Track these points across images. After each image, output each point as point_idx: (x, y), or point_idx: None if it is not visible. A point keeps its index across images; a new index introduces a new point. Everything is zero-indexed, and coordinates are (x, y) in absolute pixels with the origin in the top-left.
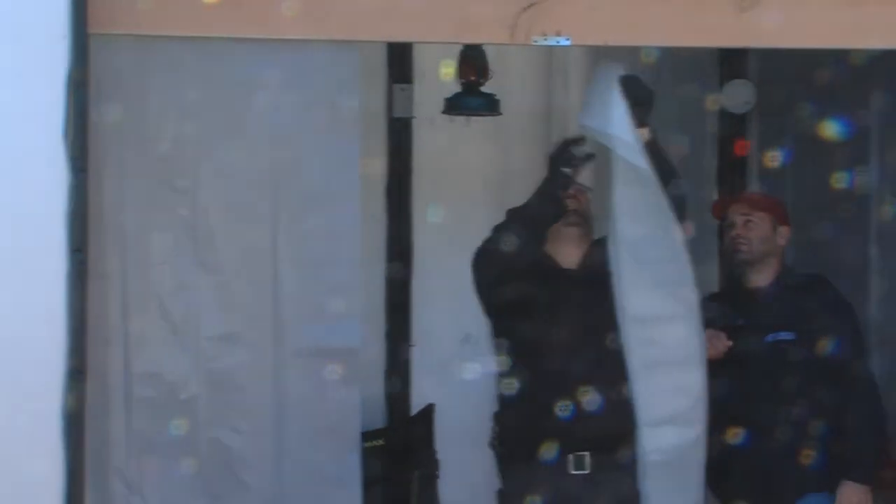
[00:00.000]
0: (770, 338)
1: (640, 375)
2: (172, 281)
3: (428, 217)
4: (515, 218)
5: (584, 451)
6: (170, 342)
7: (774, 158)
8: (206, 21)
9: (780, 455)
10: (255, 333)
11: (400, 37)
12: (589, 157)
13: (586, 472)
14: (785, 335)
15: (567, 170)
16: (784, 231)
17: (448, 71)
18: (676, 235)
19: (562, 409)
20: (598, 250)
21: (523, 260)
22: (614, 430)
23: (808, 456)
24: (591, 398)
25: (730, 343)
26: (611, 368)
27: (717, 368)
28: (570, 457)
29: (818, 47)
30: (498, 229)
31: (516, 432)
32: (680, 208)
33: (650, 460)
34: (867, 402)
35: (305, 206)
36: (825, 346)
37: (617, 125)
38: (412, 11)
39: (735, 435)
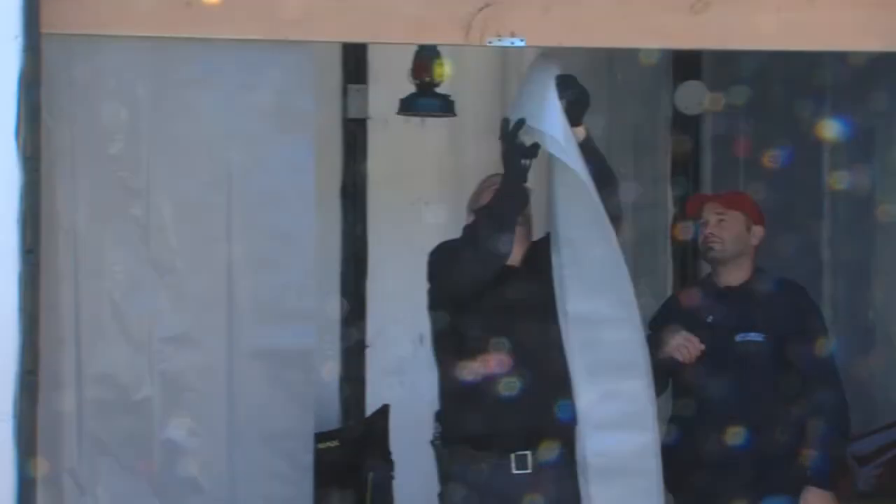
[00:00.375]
0: (739, 337)
1: (583, 377)
2: (125, 282)
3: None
4: (488, 216)
5: (526, 450)
6: (123, 343)
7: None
8: (160, 21)
9: (741, 456)
10: (209, 334)
11: (354, 37)
12: (535, 146)
13: (528, 471)
14: (754, 336)
15: (526, 161)
16: (758, 231)
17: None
18: (611, 237)
19: (504, 407)
20: (538, 249)
21: (501, 259)
22: (557, 430)
23: (770, 458)
24: (533, 397)
25: (703, 347)
26: (553, 367)
27: (683, 364)
28: (513, 456)
29: (770, 49)
30: (471, 229)
31: (458, 432)
32: (616, 209)
33: (594, 464)
34: (832, 409)
35: (259, 207)
36: (793, 350)
37: (550, 124)
38: (367, 12)
39: (698, 433)
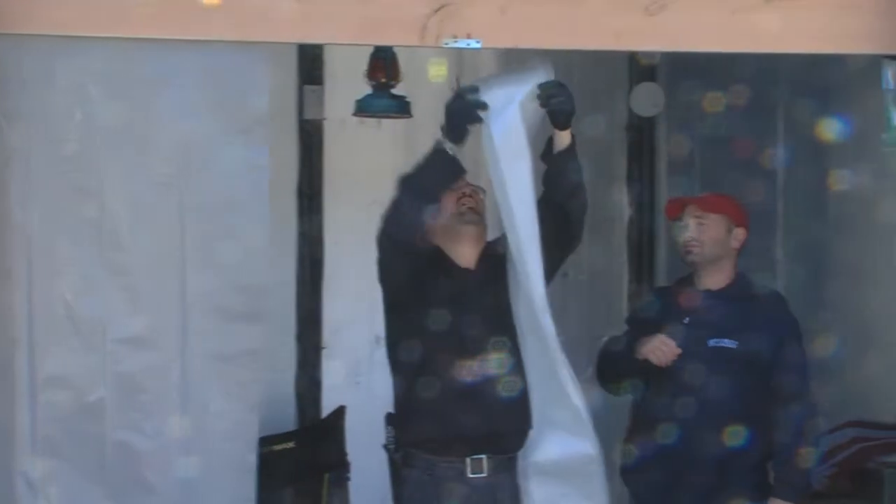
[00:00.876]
0: (713, 342)
1: (534, 379)
2: (79, 283)
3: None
4: (410, 182)
5: (481, 454)
6: (76, 344)
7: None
8: (115, 21)
9: (704, 461)
10: (162, 336)
11: (311, 38)
12: (478, 115)
13: (484, 475)
14: (727, 343)
15: (465, 125)
16: (739, 233)
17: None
18: (534, 244)
19: (459, 410)
20: (493, 251)
21: (421, 227)
22: (512, 432)
23: (735, 466)
24: (488, 399)
25: (678, 351)
26: (508, 369)
27: (653, 364)
28: (468, 460)
29: (725, 51)
30: (394, 197)
31: (412, 435)
32: (580, 215)
33: (537, 465)
34: (801, 422)
35: (214, 208)
36: (766, 361)
37: (502, 116)
38: (323, 13)
39: (660, 434)
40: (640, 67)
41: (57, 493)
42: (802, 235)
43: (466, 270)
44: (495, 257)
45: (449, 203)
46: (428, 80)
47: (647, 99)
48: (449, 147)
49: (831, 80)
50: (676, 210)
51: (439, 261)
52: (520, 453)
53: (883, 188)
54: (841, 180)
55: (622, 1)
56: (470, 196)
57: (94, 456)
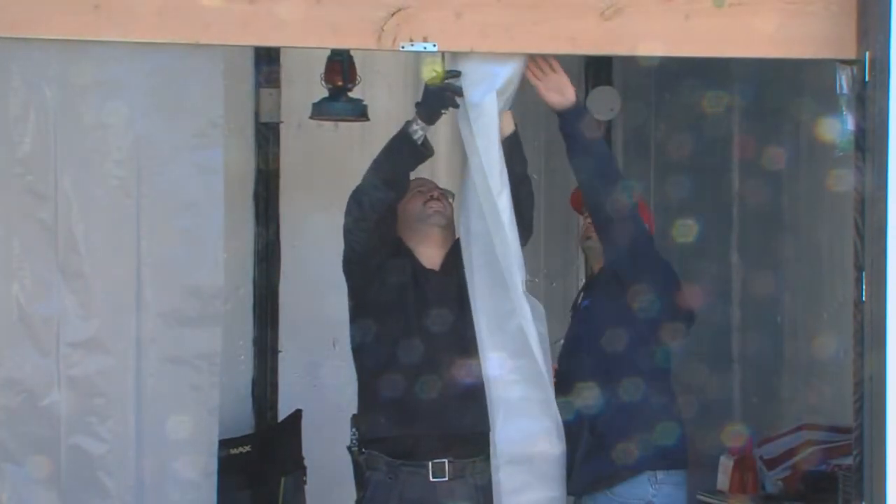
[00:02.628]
0: (585, 302)
1: (492, 366)
2: (33, 286)
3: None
4: (376, 163)
5: (443, 458)
6: (30, 348)
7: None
8: (68, 24)
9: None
10: (117, 339)
11: (267, 42)
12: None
13: (445, 479)
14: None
15: (440, 107)
16: None
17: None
18: (512, 234)
19: (421, 413)
20: (459, 253)
21: (383, 208)
22: (474, 436)
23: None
24: (450, 402)
25: None
26: (470, 371)
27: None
28: (430, 464)
29: (679, 55)
30: (365, 176)
31: (375, 437)
32: (529, 207)
33: (504, 451)
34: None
35: (168, 211)
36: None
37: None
38: (279, 16)
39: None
40: (596, 71)
41: (10, 498)
42: (757, 235)
43: (431, 271)
44: (458, 257)
45: (416, 205)
46: (385, 83)
47: (604, 103)
48: (420, 126)
49: (786, 81)
50: (579, 201)
51: (404, 260)
52: (488, 453)
53: (843, 190)
54: (817, 182)
55: (578, 6)
56: (437, 199)
57: (48, 460)
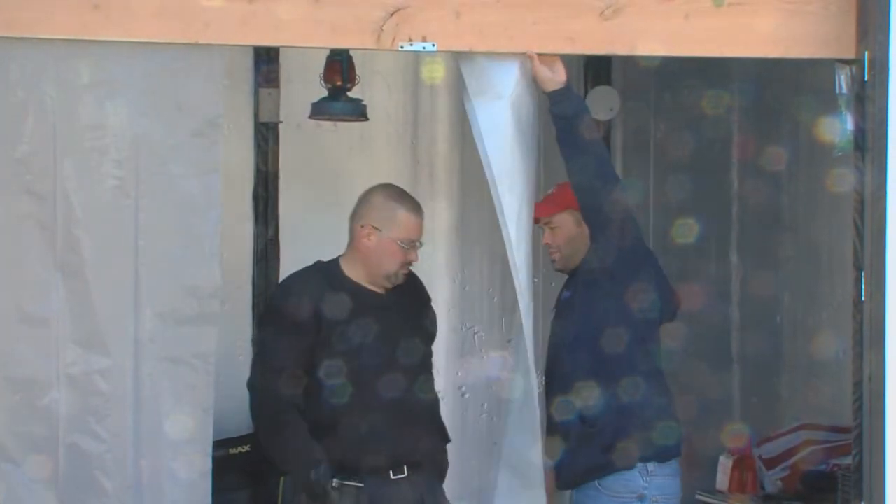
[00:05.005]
0: (566, 294)
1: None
2: (32, 286)
3: None
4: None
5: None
6: (28, 347)
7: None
8: (68, 24)
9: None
10: (115, 338)
11: (266, 42)
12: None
13: (404, 475)
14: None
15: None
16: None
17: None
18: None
19: (369, 440)
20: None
21: None
22: (425, 454)
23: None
24: (400, 425)
25: None
26: (420, 392)
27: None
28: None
29: (679, 55)
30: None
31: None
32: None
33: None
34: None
35: (167, 211)
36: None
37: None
38: (279, 17)
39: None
40: (595, 71)
41: (7, 497)
42: (758, 236)
43: (377, 295)
44: (406, 280)
45: (394, 262)
46: (384, 83)
47: (603, 103)
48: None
49: (786, 81)
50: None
51: (352, 289)
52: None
53: (843, 190)
54: (816, 182)
55: (577, 6)
56: (410, 263)
57: (47, 460)
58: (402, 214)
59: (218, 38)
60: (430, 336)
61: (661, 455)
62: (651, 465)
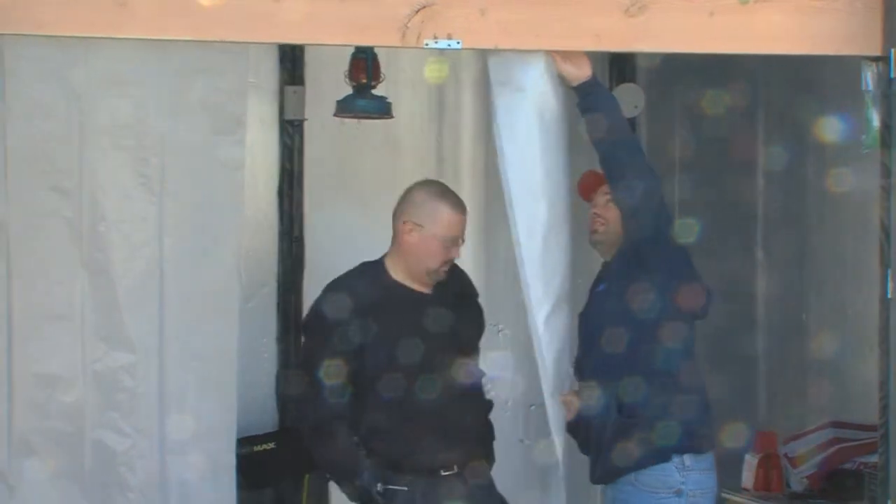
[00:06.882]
0: (600, 287)
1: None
2: (58, 282)
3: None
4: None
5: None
6: (55, 343)
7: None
8: (93, 22)
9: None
10: (141, 335)
11: (291, 39)
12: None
13: (454, 472)
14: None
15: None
16: None
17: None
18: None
19: (420, 437)
20: (452, 272)
21: None
22: (475, 453)
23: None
24: (450, 421)
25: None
26: (466, 394)
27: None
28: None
29: (704, 52)
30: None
31: (376, 455)
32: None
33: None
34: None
35: (190, 208)
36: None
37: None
38: (303, 14)
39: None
40: (620, 69)
41: (33, 492)
42: (784, 235)
43: (423, 295)
44: (451, 279)
45: (436, 258)
46: (409, 81)
47: (628, 100)
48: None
49: (811, 80)
50: (589, 189)
51: (395, 289)
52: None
53: (868, 188)
54: (841, 181)
55: (602, 2)
56: (451, 260)
57: (72, 455)
58: (444, 211)
59: (243, 36)
60: (479, 331)
61: (697, 447)
62: (688, 459)
